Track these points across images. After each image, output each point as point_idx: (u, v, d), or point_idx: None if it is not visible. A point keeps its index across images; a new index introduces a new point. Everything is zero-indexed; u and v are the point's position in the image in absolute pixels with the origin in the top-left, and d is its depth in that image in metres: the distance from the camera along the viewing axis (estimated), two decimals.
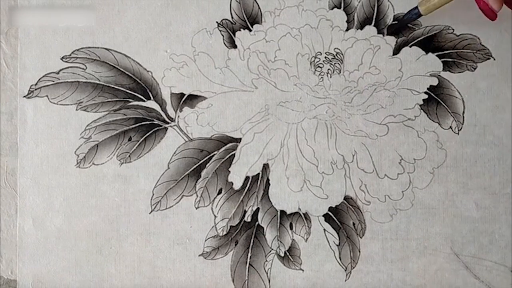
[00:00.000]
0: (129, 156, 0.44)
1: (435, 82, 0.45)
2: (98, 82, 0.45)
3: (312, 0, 0.45)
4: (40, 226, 0.44)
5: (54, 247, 0.44)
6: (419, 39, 0.45)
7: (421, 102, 0.44)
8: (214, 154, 0.44)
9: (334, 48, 0.45)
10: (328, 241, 0.44)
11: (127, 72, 0.45)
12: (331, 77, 0.45)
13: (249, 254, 0.44)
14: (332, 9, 0.45)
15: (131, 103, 0.45)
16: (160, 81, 0.45)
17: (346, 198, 0.44)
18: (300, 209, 0.44)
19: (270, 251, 0.44)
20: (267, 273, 0.44)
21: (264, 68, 0.45)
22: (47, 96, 0.45)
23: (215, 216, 0.44)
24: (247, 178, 0.44)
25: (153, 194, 0.44)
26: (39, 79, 0.45)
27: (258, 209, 0.44)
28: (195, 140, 0.45)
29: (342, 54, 0.45)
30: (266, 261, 0.44)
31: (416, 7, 0.42)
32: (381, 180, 0.44)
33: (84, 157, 0.44)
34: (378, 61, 0.45)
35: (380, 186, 0.44)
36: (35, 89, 0.45)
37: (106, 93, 0.45)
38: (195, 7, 0.45)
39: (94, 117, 0.45)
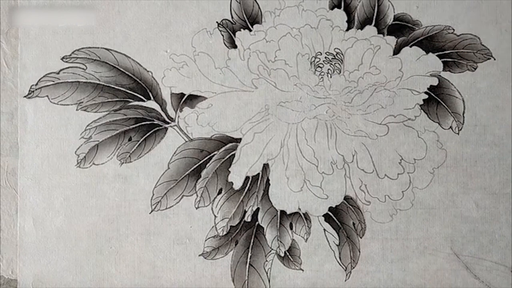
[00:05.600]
0: (129, 156, 0.45)
1: (435, 82, 0.45)
2: (98, 82, 0.45)
3: (312, 0, 0.45)
4: (40, 226, 0.44)
5: (55, 247, 0.44)
6: (419, 39, 0.45)
7: (421, 102, 0.44)
8: (214, 154, 0.44)
9: (334, 48, 0.45)
10: (328, 241, 0.44)
11: (127, 72, 0.45)
12: (331, 77, 0.45)
13: (249, 254, 0.44)
14: (332, 9, 0.45)
15: (131, 103, 0.45)
16: (160, 81, 0.45)
17: (346, 198, 0.44)
18: (300, 209, 0.44)
19: (270, 251, 0.44)
20: (267, 273, 0.44)
21: (264, 68, 0.45)
22: (47, 96, 0.45)
23: (215, 216, 0.44)
24: (247, 178, 0.44)
25: (153, 194, 0.44)
26: (40, 79, 0.45)
27: (258, 209, 0.44)
28: (195, 140, 0.45)
29: (342, 54, 0.45)
30: (266, 261, 0.44)
31: None
32: (381, 180, 0.44)
33: (85, 157, 0.44)
34: (378, 61, 0.45)
35: (380, 186, 0.44)
36: (36, 89, 0.45)
37: (106, 93, 0.45)
38: (195, 7, 0.45)
39: (94, 117, 0.45)
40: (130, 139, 0.45)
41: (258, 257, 0.44)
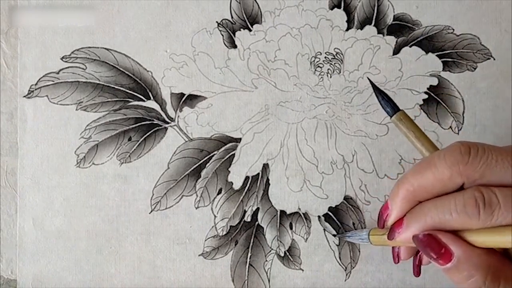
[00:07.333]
0: (129, 156, 0.44)
1: (435, 82, 0.45)
2: (98, 82, 0.45)
3: (312, 0, 0.45)
4: (40, 226, 0.44)
5: (54, 247, 0.44)
6: (419, 39, 0.45)
7: (421, 102, 0.44)
8: (214, 154, 0.44)
9: (334, 48, 0.45)
10: (328, 241, 0.44)
11: (127, 72, 0.45)
12: (331, 77, 0.45)
13: (249, 254, 0.44)
14: (332, 9, 0.45)
15: (131, 103, 0.45)
16: (160, 81, 0.45)
17: (346, 198, 0.44)
18: (300, 209, 0.44)
19: (270, 251, 0.44)
20: (267, 273, 0.44)
21: (264, 68, 0.45)
22: (47, 96, 0.45)
23: (215, 216, 0.44)
24: (247, 178, 0.44)
25: (153, 194, 0.44)
26: (39, 79, 0.45)
27: (258, 209, 0.44)
28: (195, 140, 0.45)
29: (342, 54, 0.45)
30: (266, 261, 0.44)
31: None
32: (381, 180, 0.44)
33: (84, 157, 0.44)
34: (378, 61, 0.45)
35: (380, 186, 0.44)
36: (35, 89, 0.45)
37: (106, 93, 0.45)
38: (195, 7, 0.45)
39: (94, 117, 0.45)
40: (129, 139, 0.45)
41: (258, 257, 0.44)
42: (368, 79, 0.39)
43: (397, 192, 0.32)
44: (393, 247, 0.37)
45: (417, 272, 0.36)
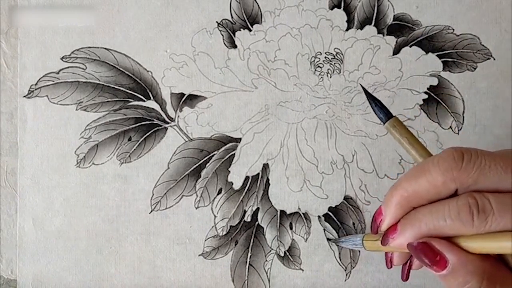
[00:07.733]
0: (129, 156, 0.44)
1: (435, 82, 0.45)
2: (98, 82, 0.45)
3: (312, 0, 0.45)
4: (40, 226, 0.44)
5: (54, 247, 0.44)
6: (419, 39, 0.45)
7: (421, 102, 0.44)
8: (214, 154, 0.44)
9: (334, 48, 0.45)
10: (328, 241, 0.44)
11: (127, 72, 0.45)
12: (331, 77, 0.45)
13: (249, 254, 0.44)
14: (332, 9, 0.45)
15: (131, 103, 0.45)
16: (160, 81, 0.45)
17: (346, 198, 0.44)
18: (300, 209, 0.44)
19: (270, 251, 0.44)
20: (267, 273, 0.44)
21: (264, 68, 0.45)
22: (47, 96, 0.45)
23: (215, 216, 0.44)
24: (247, 178, 0.44)
25: (153, 194, 0.44)
26: (39, 79, 0.45)
27: (258, 209, 0.44)
28: (195, 140, 0.45)
29: (342, 54, 0.45)
30: (266, 261, 0.44)
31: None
32: (381, 180, 0.44)
33: (84, 157, 0.44)
34: (378, 61, 0.45)
35: (380, 186, 0.44)
36: (35, 89, 0.45)
37: (106, 93, 0.45)
38: (195, 7, 0.45)
39: (94, 117, 0.45)
40: (129, 139, 0.45)
41: (258, 257, 0.44)
42: (361, 85, 0.39)
43: (391, 198, 0.32)
44: (386, 252, 0.37)
45: (406, 276, 0.36)
